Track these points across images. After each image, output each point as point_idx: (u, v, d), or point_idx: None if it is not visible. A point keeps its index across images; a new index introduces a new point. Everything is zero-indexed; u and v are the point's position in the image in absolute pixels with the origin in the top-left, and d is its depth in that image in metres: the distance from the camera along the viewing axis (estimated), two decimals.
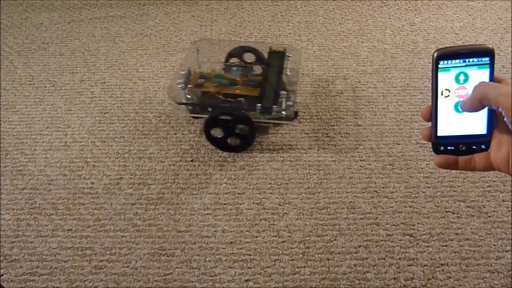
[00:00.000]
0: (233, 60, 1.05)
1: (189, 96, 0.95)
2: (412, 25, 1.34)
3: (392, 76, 1.14)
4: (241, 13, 1.41)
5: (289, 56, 1.01)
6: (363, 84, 1.12)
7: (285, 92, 0.90)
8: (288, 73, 1.00)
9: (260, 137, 0.98)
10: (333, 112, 1.04)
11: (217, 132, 0.94)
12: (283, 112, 0.91)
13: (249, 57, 1.05)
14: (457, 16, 1.37)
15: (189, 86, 0.95)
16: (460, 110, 0.37)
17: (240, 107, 0.92)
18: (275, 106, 0.89)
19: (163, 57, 1.22)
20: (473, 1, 1.44)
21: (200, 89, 0.96)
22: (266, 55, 1.03)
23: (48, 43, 1.29)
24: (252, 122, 0.90)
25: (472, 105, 0.36)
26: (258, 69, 1.02)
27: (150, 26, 1.36)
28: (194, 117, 1.01)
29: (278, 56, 1.01)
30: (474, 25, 1.33)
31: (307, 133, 0.99)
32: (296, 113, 0.93)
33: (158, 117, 1.04)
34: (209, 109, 0.91)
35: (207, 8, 1.43)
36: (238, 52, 1.05)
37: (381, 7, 1.42)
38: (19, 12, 1.43)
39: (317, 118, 1.02)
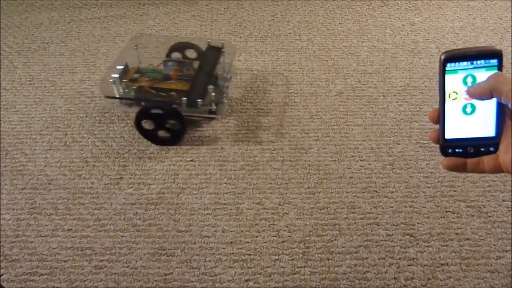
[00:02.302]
0: (174, 55, 1.07)
1: (126, 91, 0.97)
2: (412, 25, 1.34)
3: (392, 76, 1.14)
4: (241, 13, 1.41)
5: (224, 52, 1.02)
6: (363, 84, 1.12)
7: (212, 87, 0.92)
8: (224, 68, 1.02)
9: (261, 137, 0.98)
10: (333, 112, 1.04)
11: (149, 125, 0.95)
12: (214, 106, 0.94)
13: (191, 53, 1.06)
14: (457, 16, 1.37)
15: (124, 80, 0.96)
16: (468, 95, 0.37)
17: (169, 101, 0.93)
18: (200, 100, 0.90)
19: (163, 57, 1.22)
20: (473, 1, 1.44)
21: (135, 83, 0.97)
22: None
23: (48, 43, 1.29)
24: (181, 116, 0.91)
25: (481, 93, 0.35)
26: (196, 65, 1.03)
27: (150, 26, 1.36)
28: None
29: (214, 52, 1.03)
30: (474, 25, 1.33)
31: (307, 133, 0.99)
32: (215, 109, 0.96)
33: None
34: (142, 103, 0.92)
35: (207, 8, 1.43)
36: (179, 47, 1.06)
37: (381, 7, 1.42)
38: (19, 12, 1.43)
39: (317, 118, 1.02)
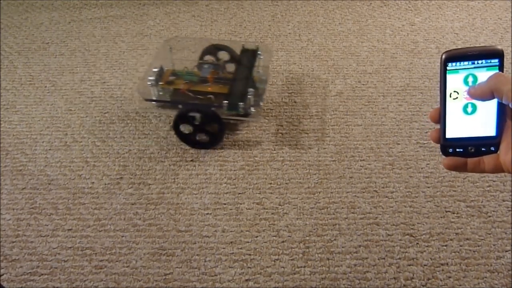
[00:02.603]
0: (208, 58, 1.06)
1: (162, 93, 0.96)
2: (412, 25, 1.34)
3: (392, 76, 1.14)
4: (241, 13, 1.41)
5: (260, 54, 1.02)
6: (363, 84, 1.12)
7: (252, 90, 0.91)
8: (260, 71, 1.01)
9: (261, 137, 0.98)
10: (333, 112, 1.04)
11: (186, 129, 0.94)
12: (252, 109, 0.92)
13: (224, 55, 1.05)
14: (457, 16, 1.37)
15: (160, 83, 0.96)
16: (468, 95, 0.37)
17: (208, 104, 0.92)
18: (241, 103, 0.89)
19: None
20: (473, 1, 1.44)
21: (171, 86, 0.97)
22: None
23: (48, 43, 1.29)
24: (220, 119, 0.91)
25: (482, 93, 0.35)
26: (231, 67, 1.02)
27: (150, 26, 1.36)
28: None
29: (249, 54, 1.02)
30: (474, 25, 1.33)
31: (307, 133, 0.99)
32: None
33: (158, 117, 1.04)
34: (180, 106, 0.92)
35: (207, 8, 1.44)
36: (212, 50, 1.06)
37: (381, 7, 1.43)
38: (19, 12, 1.43)
39: (317, 118, 1.02)
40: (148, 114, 1.05)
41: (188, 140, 0.95)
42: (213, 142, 0.95)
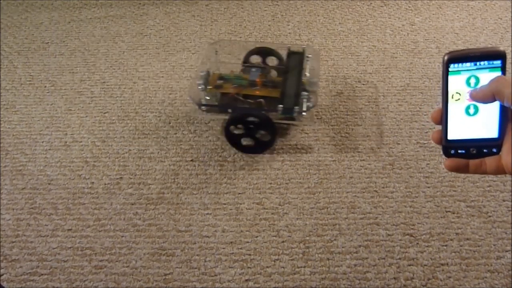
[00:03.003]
0: (251, 61, 1.05)
1: (208, 98, 0.94)
2: (412, 25, 1.34)
3: (392, 76, 1.14)
4: (241, 13, 1.41)
5: (308, 57, 1.00)
6: (363, 84, 1.12)
7: (306, 93, 0.89)
8: (307, 74, 0.98)
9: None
10: (333, 112, 1.04)
11: (237, 133, 0.93)
12: (304, 113, 0.89)
13: (269, 59, 1.04)
14: (457, 16, 1.37)
15: (209, 87, 0.94)
16: (470, 97, 0.37)
17: (261, 108, 0.90)
18: (296, 107, 0.87)
19: (163, 57, 1.22)
20: (473, 1, 1.44)
21: (220, 90, 0.94)
22: (284, 56, 1.02)
23: (48, 43, 1.29)
24: (273, 123, 0.89)
25: (484, 96, 0.35)
26: (276, 70, 1.01)
27: (150, 26, 1.36)
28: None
29: (297, 57, 1.00)
30: (474, 24, 1.33)
31: (307, 133, 0.99)
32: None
33: (158, 117, 1.04)
34: (229, 110, 0.90)
35: (207, 8, 1.43)
36: (256, 53, 1.04)
37: (381, 7, 1.42)
38: (19, 12, 1.43)
39: (317, 118, 1.02)
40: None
41: (239, 145, 0.93)
42: (265, 147, 0.93)
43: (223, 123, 0.94)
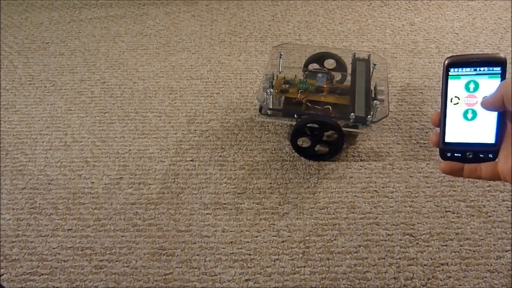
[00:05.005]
0: (313, 66, 1.03)
1: (271, 102, 0.93)
2: (412, 25, 1.34)
3: (392, 76, 1.14)
4: (241, 13, 1.41)
5: (375, 64, 0.98)
6: None
7: (377, 102, 0.87)
8: (375, 82, 0.97)
9: (260, 137, 0.98)
10: None
11: (304, 141, 0.93)
12: (374, 123, 0.87)
13: (327, 63, 1.03)
14: (457, 16, 1.37)
15: (274, 91, 0.92)
16: (482, 106, 0.37)
17: (330, 116, 0.89)
18: (369, 116, 0.86)
19: (163, 57, 1.23)
20: (473, 1, 1.44)
21: (285, 94, 0.93)
22: (347, 62, 1.01)
23: (48, 43, 1.29)
24: (342, 131, 0.87)
25: (494, 103, 0.35)
26: (337, 76, 0.99)
27: (150, 26, 1.36)
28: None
29: (363, 64, 0.99)
30: (474, 25, 1.33)
31: None
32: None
33: (158, 117, 1.04)
34: (295, 116, 0.88)
35: (207, 8, 1.44)
36: (319, 58, 1.03)
37: (381, 7, 1.43)
38: (19, 12, 1.43)
39: None
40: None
41: (307, 153, 0.92)
42: (333, 153, 0.92)
43: (288, 130, 0.94)
